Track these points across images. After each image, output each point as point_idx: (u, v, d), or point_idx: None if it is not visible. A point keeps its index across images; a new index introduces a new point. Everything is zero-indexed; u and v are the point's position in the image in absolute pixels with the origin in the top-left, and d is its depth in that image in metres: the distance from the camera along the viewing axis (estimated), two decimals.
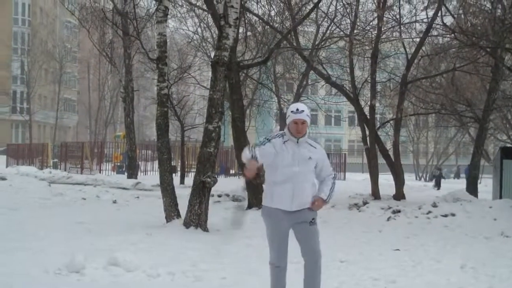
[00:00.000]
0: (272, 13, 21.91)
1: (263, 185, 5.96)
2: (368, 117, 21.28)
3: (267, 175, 5.82)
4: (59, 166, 39.58)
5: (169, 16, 16.64)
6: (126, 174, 29.93)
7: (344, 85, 23.66)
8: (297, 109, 5.67)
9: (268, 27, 20.97)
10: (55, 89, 65.37)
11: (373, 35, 21.09)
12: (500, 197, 18.06)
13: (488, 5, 19.83)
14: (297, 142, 5.69)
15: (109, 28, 29.00)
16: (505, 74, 21.29)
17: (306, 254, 5.80)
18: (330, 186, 5.86)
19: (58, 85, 64.74)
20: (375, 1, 21.35)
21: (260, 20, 21.17)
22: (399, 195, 19.90)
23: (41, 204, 16.06)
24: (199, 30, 27.21)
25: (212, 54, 15.10)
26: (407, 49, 21.82)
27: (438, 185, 35.36)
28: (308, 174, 5.74)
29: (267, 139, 5.74)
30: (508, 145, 31.63)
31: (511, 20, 16.47)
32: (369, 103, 21.57)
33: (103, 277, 7.16)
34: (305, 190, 5.71)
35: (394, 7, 21.31)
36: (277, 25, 21.27)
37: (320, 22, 24.04)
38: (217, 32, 14.56)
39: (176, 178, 21.62)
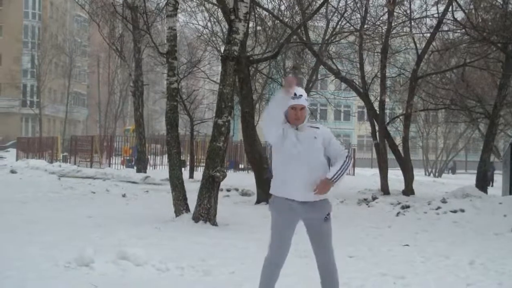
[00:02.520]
0: (282, 7, 21.94)
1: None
2: (378, 112, 21.24)
3: (273, 161, 5.37)
4: (68, 160, 39.73)
5: (179, 10, 16.65)
6: (135, 168, 29.99)
7: (354, 80, 23.65)
8: (295, 94, 5.16)
9: (278, 21, 20.96)
10: (65, 83, 65.58)
11: (383, 30, 21.05)
12: (510, 193, 18.01)
13: (500, 0, 19.73)
14: (297, 129, 5.24)
15: (119, 22, 29.09)
16: None
17: (320, 265, 5.40)
18: (341, 164, 5.20)
19: (68, 79, 64.95)
20: None
21: (270, 15, 21.14)
22: (408, 191, 19.86)
23: (51, 198, 16.15)
24: (209, 24, 27.22)
25: (222, 49, 15.08)
26: (417, 44, 21.73)
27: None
28: (315, 153, 5.23)
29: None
30: None
31: None
32: (378, 98, 21.52)
33: (112, 271, 7.18)
34: (315, 176, 5.16)
35: (405, 2, 21.23)
36: (287, 19, 21.27)
37: (330, 16, 23.99)
38: (227, 26, 14.56)
39: (185, 172, 21.67)
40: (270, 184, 5.40)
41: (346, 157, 5.25)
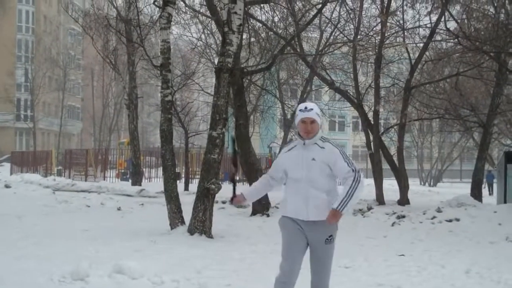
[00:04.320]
0: (276, 19, 21.93)
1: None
2: (372, 122, 21.28)
3: (286, 183, 5.38)
4: (63, 174, 39.64)
5: (172, 23, 16.67)
6: (130, 181, 29.95)
7: (348, 91, 23.70)
8: (306, 107, 5.13)
9: (271, 33, 21.00)
10: (59, 96, 65.48)
11: (376, 41, 21.11)
12: (505, 202, 18.03)
13: (492, 10, 19.84)
14: (304, 144, 5.17)
15: (113, 35, 29.09)
16: (509, 78, 21.29)
17: (313, 274, 5.30)
18: (347, 190, 5.00)
19: (62, 92, 64.85)
20: (378, 6, 21.39)
21: (264, 26, 21.19)
22: (403, 200, 19.88)
23: (46, 212, 16.09)
24: (202, 36, 27.24)
25: (216, 61, 15.11)
26: (411, 54, 21.81)
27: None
28: (317, 178, 5.11)
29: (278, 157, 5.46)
30: None
31: None
32: (373, 108, 21.57)
33: (108, 284, 7.15)
34: (317, 198, 5.08)
35: (398, 13, 21.32)
36: (280, 31, 21.30)
37: (323, 27, 24.08)
38: (220, 38, 14.58)
39: (180, 184, 21.63)
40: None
41: (353, 181, 5.03)
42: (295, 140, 5.34)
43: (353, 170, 5.07)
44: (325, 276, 5.30)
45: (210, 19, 22.06)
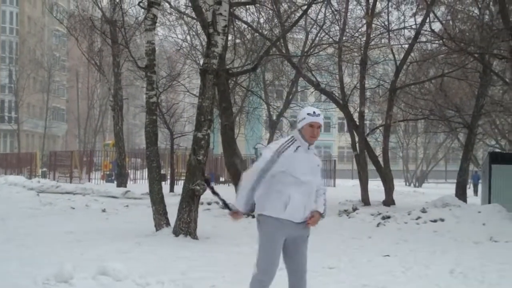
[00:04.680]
0: (261, 20, 22.00)
1: (265, 191, 5.38)
2: (358, 123, 21.33)
3: (274, 182, 5.21)
4: (48, 176, 39.42)
5: (158, 24, 16.64)
6: (115, 182, 29.82)
7: (334, 92, 23.76)
8: (314, 112, 5.22)
9: (257, 34, 21.02)
10: (43, 98, 65.10)
11: (362, 42, 21.19)
12: (489, 202, 18.11)
13: (476, 11, 19.95)
14: (308, 148, 5.25)
15: (98, 36, 28.98)
16: (493, 79, 21.42)
17: (294, 272, 5.36)
18: (324, 200, 5.43)
19: (46, 94, 64.46)
20: (363, 8, 21.46)
21: (249, 28, 21.21)
22: (388, 201, 19.94)
23: (30, 214, 15.97)
24: (188, 37, 27.24)
25: (201, 62, 15.08)
26: (396, 56, 21.91)
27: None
28: (316, 182, 5.33)
29: (277, 154, 5.15)
30: (497, 150, 31.83)
31: (498, 26, 16.56)
32: (358, 109, 21.63)
33: (92, 287, 7.09)
34: (312, 202, 5.28)
35: (383, 14, 21.43)
36: (266, 32, 21.34)
37: (309, 29, 24.14)
38: (206, 39, 14.56)
39: (166, 186, 21.57)
40: (268, 205, 5.29)
41: (324, 193, 5.47)
42: (295, 140, 5.26)
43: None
44: (304, 273, 5.39)
45: (195, 21, 22.05)
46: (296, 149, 5.22)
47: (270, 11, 21.26)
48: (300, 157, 5.20)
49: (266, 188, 5.26)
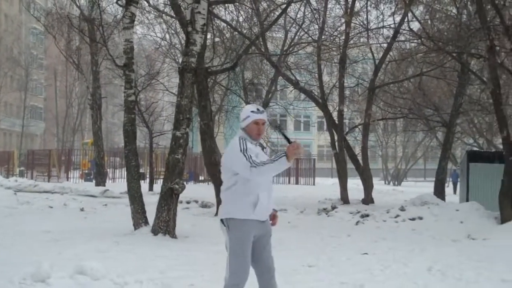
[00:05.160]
0: (240, 19, 21.95)
1: (228, 195, 5.24)
2: (337, 122, 21.39)
3: (239, 183, 5.08)
4: (25, 174, 39.08)
5: (136, 22, 16.57)
6: (94, 181, 29.64)
7: (313, 91, 23.82)
8: (258, 109, 5.18)
9: (236, 33, 20.99)
10: (21, 96, 64.49)
11: (341, 41, 21.27)
12: (467, 200, 18.27)
13: (454, 11, 20.08)
14: (256, 145, 5.15)
15: (76, 34, 28.77)
16: (471, 79, 21.57)
17: (264, 272, 5.28)
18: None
19: (24, 92, 63.89)
20: (342, 7, 21.52)
21: (228, 26, 21.16)
22: (368, 199, 20.03)
23: (7, 213, 15.81)
24: (167, 36, 27.14)
25: (180, 60, 15.03)
26: (375, 55, 22.03)
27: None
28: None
29: (245, 149, 4.99)
30: (475, 148, 32.08)
31: (476, 26, 16.67)
32: (337, 108, 21.70)
33: (69, 286, 7.03)
34: (272, 197, 5.27)
35: (362, 13, 21.53)
36: (245, 31, 21.30)
37: (288, 28, 24.14)
38: (185, 38, 14.51)
39: (145, 185, 21.48)
40: (234, 207, 5.15)
41: None
42: (244, 139, 5.12)
43: None
44: (274, 268, 5.35)
45: (174, 19, 21.96)
46: (252, 148, 5.09)
47: (249, 10, 21.22)
48: (259, 152, 5.11)
49: (232, 191, 5.16)
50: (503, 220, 14.01)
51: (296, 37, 23.58)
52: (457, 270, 8.66)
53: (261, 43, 21.08)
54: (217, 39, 22.15)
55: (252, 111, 5.17)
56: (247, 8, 21.20)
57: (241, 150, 4.97)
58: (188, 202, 19.24)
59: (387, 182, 54.63)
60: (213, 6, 18.14)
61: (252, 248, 5.18)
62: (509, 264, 9.24)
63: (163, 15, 23.79)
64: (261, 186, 5.10)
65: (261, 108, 5.23)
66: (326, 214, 17.15)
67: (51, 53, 60.75)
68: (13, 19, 70.32)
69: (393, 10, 20.86)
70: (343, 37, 20.89)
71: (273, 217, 5.37)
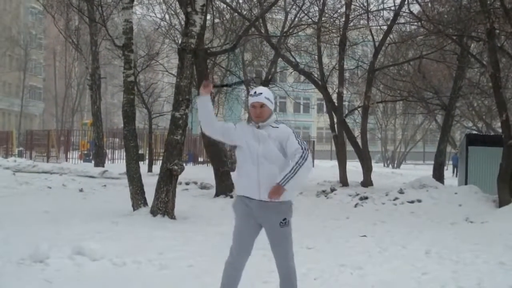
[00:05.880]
0: (240, 0, 21.83)
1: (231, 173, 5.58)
2: (336, 104, 21.35)
3: (237, 160, 5.24)
4: (24, 155, 39.07)
5: (136, 3, 16.49)
6: (93, 162, 29.66)
7: (312, 73, 23.73)
8: (255, 92, 5.12)
9: (236, 14, 20.89)
10: (20, 76, 64.33)
11: (341, 23, 21.15)
12: (466, 183, 18.29)
13: None
14: (258, 127, 5.10)
15: (75, 14, 28.62)
16: (471, 62, 21.50)
17: (278, 267, 5.20)
18: (292, 166, 4.87)
19: (23, 72, 63.73)
20: None
21: (228, 7, 21.06)
22: (367, 182, 20.03)
23: (6, 193, 15.83)
24: (166, 16, 27.03)
25: (180, 41, 14.96)
26: (375, 37, 21.91)
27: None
28: (273, 154, 5.00)
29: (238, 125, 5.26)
30: (474, 132, 32.07)
31: (476, 9, 16.58)
32: (337, 90, 21.64)
33: (68, 266, 7.06)
34: (272, 175, 4.92)
35: None
36: (245, 12, 21.20)
37: (288, 9, 23.99)
38: (184, 18, 14.44)
39: (144, 166, 21.48)
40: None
41: (300, 157, 4.91)
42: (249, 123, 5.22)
43: (302, 148, 4.96)
44: (286, 259, 5.19)
45: None
46: (243, 126, 5.22)
47: None
48: (248, 129, 5.15)
49: (237, 170, 5.32)
50: (501, 204, 14.06)
51: (296, 19, 23.45)
52: (454, 252, 8.70)
53: (261, 24, 20.98)
54: (216, 20, 22.07)
55: (250, 95, 5.19)
56: None
57: None
58: (187, 184, 19.25)
59: (386, 165, 54.68)
60: None
61: (267, 236, 5.16)
62: (506, 247, 9.27)
63: None
64: (243, 158, 5.11)
65: (258, 90, 5.15)
66: (325, 196, 17.18)
67: (50, 33, 60.52)
68: None
69: None
70: (343, 19, 20.77)
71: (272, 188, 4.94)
